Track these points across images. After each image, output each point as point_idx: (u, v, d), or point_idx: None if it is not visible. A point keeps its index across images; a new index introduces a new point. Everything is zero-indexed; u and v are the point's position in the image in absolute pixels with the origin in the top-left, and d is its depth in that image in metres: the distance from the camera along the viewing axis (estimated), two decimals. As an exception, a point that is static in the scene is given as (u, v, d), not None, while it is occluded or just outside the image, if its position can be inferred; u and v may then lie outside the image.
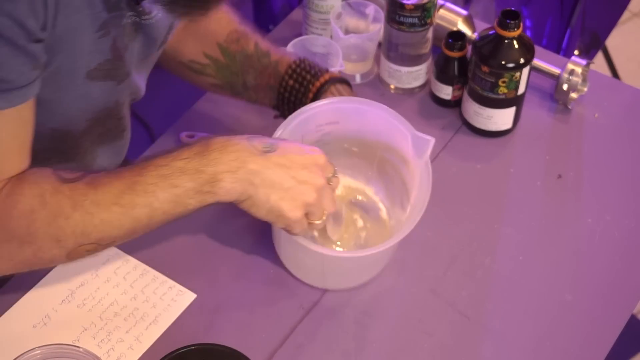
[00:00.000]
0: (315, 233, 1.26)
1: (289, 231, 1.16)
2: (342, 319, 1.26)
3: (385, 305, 1.27)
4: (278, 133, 1.22)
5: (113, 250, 1.27)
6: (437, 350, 1.23)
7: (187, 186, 1.09)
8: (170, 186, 1.09)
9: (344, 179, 1.31)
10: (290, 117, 1.24)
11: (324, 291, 1.28)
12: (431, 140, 1.20)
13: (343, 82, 1.33)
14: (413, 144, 1.21)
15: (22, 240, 1.06)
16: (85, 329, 1.23)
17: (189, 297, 1.26)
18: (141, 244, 1.29)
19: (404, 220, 1.24)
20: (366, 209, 1.33)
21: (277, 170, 1.12)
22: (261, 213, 1.14)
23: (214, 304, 1.26)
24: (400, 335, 1.25)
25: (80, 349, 1.14)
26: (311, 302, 1.27)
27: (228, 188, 1.11)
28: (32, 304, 1.24)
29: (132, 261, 1.29)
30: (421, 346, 1.23)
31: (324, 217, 1.18)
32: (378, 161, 1.31)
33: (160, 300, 1.26)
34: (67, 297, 1.25)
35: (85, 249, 1.09)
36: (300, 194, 1.13)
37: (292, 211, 1.13)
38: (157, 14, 1.15)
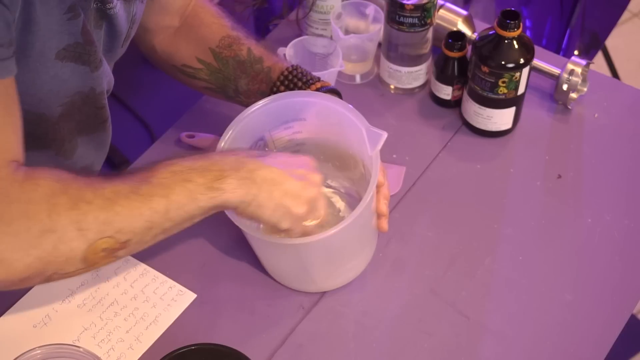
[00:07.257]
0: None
1: (289, 233, 1.17)
2: (342, 319, 1.26)
3: (385, 305, 1.27)
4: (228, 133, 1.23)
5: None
6: (437, 350, 1.23)
7: (198, 181, 1.10)
8: (183, 180, 1.09)
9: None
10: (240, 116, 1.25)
11: (324, 291, 1.28)
12: (383, 135, 1.19)
13: (334, 91, 1.33)
14: (368, 138, 1.21)
15: (43, 228, 1.02)
16: (86, 329, 1.23)
17: (189, 297, 1.27)
18: (141, 244, 1.30)
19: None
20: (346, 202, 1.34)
21: (275, 169, 1.13)
22: (267, 213, 1.13)
23: (214, 304, 1.26)
24: (400, 335, 1.25)
25: (80, 349, 1.14)
26: (311, 302, 1.27)
27: (234, 185, 1.11)
28: (32, 304, 1.24)
29: (132, 261, 1.29)
30: (421, 346, 1.23)
31: (318, 220, 1.18)
32: (341, 157, 1.31)
33: (160, 300, 1.26)
34: (67, 297, 1.26)
35: (104, 244, 1.06)
36: (302, 190, 1.14)
37: (298, 207, 1.14)
38: (117, 4, 1.17)
